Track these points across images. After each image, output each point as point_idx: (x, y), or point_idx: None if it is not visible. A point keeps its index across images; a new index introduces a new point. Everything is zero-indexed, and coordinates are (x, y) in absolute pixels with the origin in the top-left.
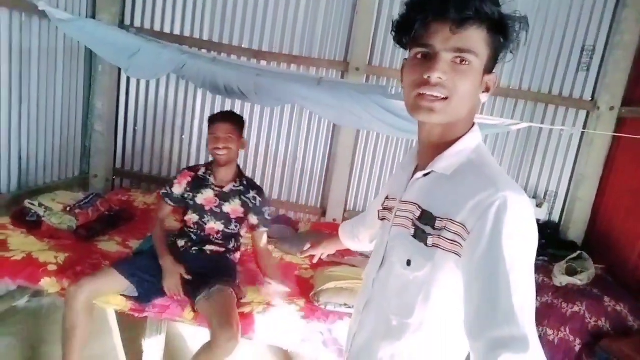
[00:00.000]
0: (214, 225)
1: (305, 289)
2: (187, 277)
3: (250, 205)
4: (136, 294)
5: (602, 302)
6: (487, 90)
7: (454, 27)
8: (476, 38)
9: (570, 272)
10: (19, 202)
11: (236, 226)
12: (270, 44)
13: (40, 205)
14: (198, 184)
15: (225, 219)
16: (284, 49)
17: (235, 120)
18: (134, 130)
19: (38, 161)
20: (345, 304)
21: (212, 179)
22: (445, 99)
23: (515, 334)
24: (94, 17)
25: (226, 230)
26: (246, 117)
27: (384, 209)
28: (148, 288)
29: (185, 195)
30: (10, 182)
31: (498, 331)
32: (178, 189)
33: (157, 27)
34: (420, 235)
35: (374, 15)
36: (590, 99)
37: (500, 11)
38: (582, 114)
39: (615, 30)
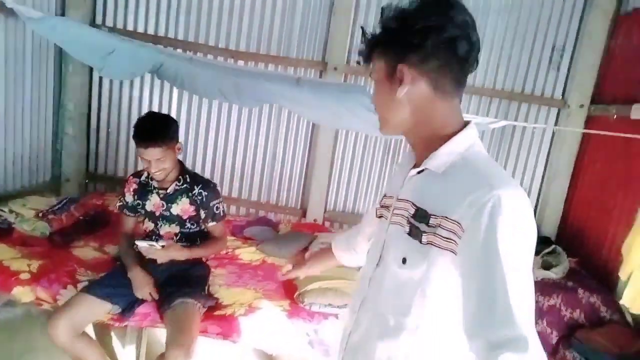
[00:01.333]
0: (169, 229)
1: (289, 290)
2: (155, 295)
3: (198, 201)
4: (120, 310)
5: (576, 294)
6: (400, 82)
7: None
8: (373, 61)
9: (546, 266)
10: None
11: (192, 224)
12: (248, 44)
13: (11, 211)
14: (143, 190)
15: (178, 220)
16: (261, 49)
17: (161, 140)
18: (108, 133)
19: (7, 165)
20: (330, 304)
21: (154, 183)
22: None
23: (515, 334)
24: (63, 15)
25: (183, 231)
26: (224, 116)
27: (382, 206)
28: (129, 301)
29: (136, 204)
30: None
31: (497, 331)
32: (129, 198)
33: (130, 27)
34: (415, 233)
35: (351, 15)
36: (561, 97)
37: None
38: (554, 111)
39: (583, 30)
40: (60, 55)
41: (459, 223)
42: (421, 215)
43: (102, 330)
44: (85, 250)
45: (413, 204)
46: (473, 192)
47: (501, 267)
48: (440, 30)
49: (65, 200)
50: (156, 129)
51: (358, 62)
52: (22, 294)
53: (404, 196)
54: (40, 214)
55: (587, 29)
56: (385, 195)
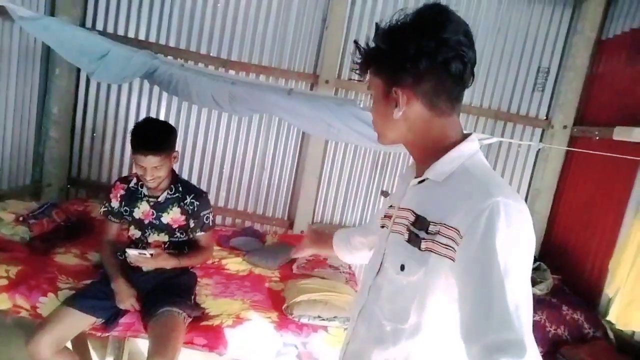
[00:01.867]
0: (157, 238)
1: (276, 302)
2: (137, 306)
3: (189, 211)
4: (102, 322)
5: (560, 311)
6: (396, 105)
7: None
8: (369, 76)
9: (531, 282)
10: None
11: (181, 234)
12: (240, 53)
13: None
14: (131, 197)
15: (167, 229)
16: (253, 59)
17: (161, 149)
18: (92, 137)
19: None
20: (320, 317)
21: (144, 190)
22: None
23: (512, 339)
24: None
25: (172, 240)
26: (212, 125)
27: (385, 216)
28: (112, 313)
29: (122, 210)
30: None
31: (494, 336)
32: (115, 203)
33: (120, 32)
34: (413, 240)
35: (343, 29)
36: (545, 117)
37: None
38: (538, 131)
39: (567, 53)
40: (47, 57)
41: (457, 230)
42: (421, 223)
43: (79, 341)
44: (67, 257)
45: (413, 212)
46: (471, 199)
47: (498, 271)
48: (433, 54)
49: (46, 205)
50: (157, 137)
51: (353, 71)
52: (0, 301)
53: (405, 205)
54: (21, 218)
55: (571, 53)
56: (390, 206)
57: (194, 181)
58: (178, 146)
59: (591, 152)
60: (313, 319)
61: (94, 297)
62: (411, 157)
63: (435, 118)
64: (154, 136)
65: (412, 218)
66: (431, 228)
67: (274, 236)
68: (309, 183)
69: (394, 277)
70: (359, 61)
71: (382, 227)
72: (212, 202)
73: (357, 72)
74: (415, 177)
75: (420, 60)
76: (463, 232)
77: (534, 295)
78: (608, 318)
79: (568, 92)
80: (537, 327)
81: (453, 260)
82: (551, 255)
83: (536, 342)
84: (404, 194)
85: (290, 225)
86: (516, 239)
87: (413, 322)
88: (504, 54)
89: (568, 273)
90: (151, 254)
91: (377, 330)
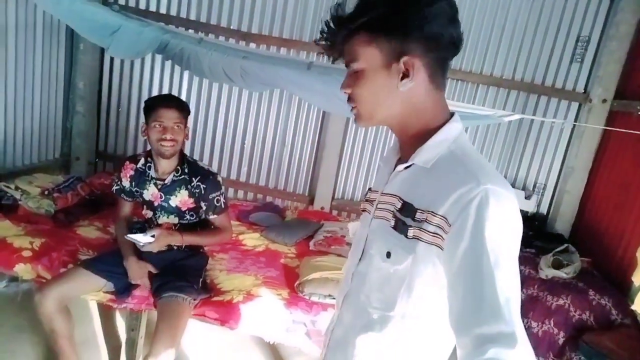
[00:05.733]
0: (167, 220)
1: (290, 278)
2: (155, 271)
3: (197, 194)
4: (113, 289)
5: (587, 295)
6: (405, 76)
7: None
8: (355, 47)
9: (557, 265)
10: None
11: (192, 216)
12: (260, 26)
13: (17, 188)
14: (140, 178)
15: (177, 212)
16: (274, 32)
17: (182, 106)
18: (118, 112)
19: (16, 142)
20: (330, 295)
21: (152, 172)
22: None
23: (503, 330)
24: None
25: (182, 222)
26: (234, 100)
27: (366, 200)
28: (125, 283)
29: (134, 191)
30: None
31: (485, 327)
32: (126, 182)
33: (142, 5)
34: (400, 227)
35: None
36: (583, 91)
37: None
38: (574, 106)
39: (611, 21)
40: (72, 32)
41: (445, 218)
42: (408, 210)
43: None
44: (89, 230)
45: (400, 198)
46: (460, 188)
47: (488, 262)
48: (443, 15)
49: (72, 179)
50: (177, 98)
51: (323, 41)
52: (24, 271)
53: (389, 190)
54: (46, 192)
55: (616, 20)
56: (370, 190)
57: (216, 156)
58: (200, 123)
59: (627, 131)
60: (324, 298)
61: (108, 262)
62: (394, 139)
63: (432, 92)
64: (173, 96)
65: (398, 204)
66: (418, 215)
67: (294, 212)
68: (329, 159)
69: (380, 265)
70: (336, 29)
71: (364, 211)
72: (233, 177)
73: (331, 42)
74: (400, 162)
75: (434, 22)
76: (451, 220)
77: (559, 278)
78: (633, 307)
79: (609, 63)
80: (561, 312)
81: (441, 248)
82: (582, 237)
83: (559, 327)
84: (387, 179)
85: (311, 201)
86: (505, 228)
87: (400, 309)
88: (540, 22)
89: (599, 256)
90: (152, 235)
91: (363, 317)
